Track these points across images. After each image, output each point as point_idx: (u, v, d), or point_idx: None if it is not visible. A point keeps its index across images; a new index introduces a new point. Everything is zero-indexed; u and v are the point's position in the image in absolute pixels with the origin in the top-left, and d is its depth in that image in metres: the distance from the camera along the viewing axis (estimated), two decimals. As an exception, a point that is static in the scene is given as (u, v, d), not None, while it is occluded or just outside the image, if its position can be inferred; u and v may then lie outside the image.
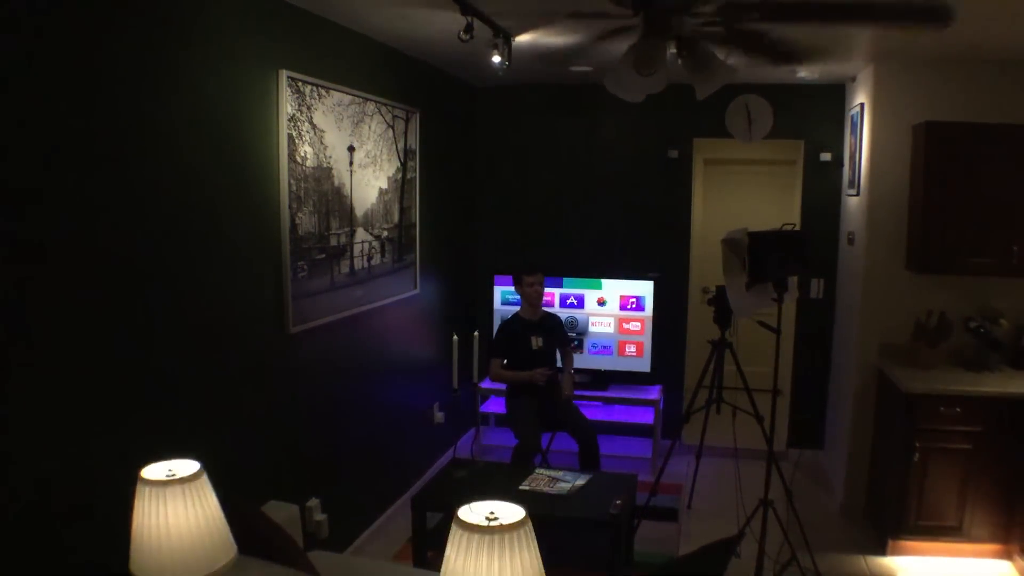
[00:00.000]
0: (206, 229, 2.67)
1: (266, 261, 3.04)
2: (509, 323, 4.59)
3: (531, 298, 4.52)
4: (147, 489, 1.86)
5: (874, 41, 3.68)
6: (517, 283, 4.59)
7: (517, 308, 4.68)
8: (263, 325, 3.03)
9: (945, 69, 3.97)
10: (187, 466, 1.93)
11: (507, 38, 3.43)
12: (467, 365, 3.87)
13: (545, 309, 4.71)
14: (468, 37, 3.01)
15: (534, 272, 4.52)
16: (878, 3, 2.94)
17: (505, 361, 4.54)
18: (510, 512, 1.70)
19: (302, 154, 3.20)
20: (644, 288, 5.14)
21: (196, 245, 2.62)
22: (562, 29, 3.43)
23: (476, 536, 1.65)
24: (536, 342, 4.50)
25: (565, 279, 5.18)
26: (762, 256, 3.40)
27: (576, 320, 5.17)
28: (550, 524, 3.17)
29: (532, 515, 1.74)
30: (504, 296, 5.34)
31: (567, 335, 4.83)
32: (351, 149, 3.62)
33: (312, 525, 3.33)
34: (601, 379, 5.11)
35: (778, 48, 3.02)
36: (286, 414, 3.21)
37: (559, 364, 4.71)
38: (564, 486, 3.45)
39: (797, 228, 4.15)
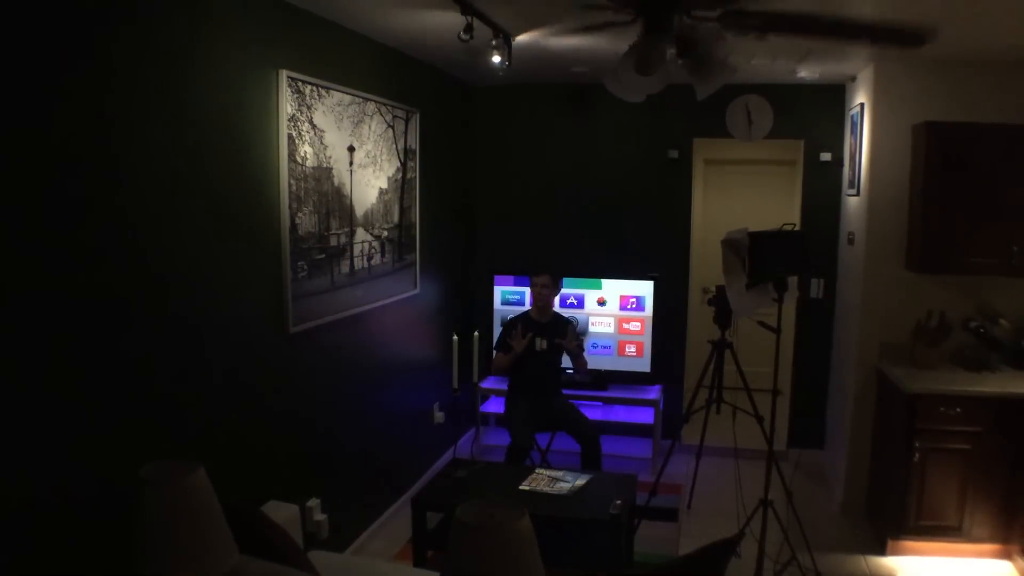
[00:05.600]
0: (206, 229, 2.67)
1: (266, 261, 3.04)
2: (515, 320, 4.57)
3: (536, 299, 4.51)
4: (147, 489, 1.86)
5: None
6: (530, 283, 4.59)
7: (519, 308, 4.68)
8: (263, 325, 3.03)
9: (945, 69, 3.97)
10: (187, 466, 1.93)
11: (507, 38, 3.43)
12: (467, 365, 3.87)
13: (557, 311, 4.70)
14: (468, 37, 3.01)
15: (540, 273, 4.50)
16: (863, 25, 2.99)
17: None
18: (510, 512, 1.70)
19: (302, 154, 3.20)
20: (644, 288, 5.14)
21: (196, 245, 2.62)
22: (562, 29, 3.44)
23: (476, 536, 1.65)
24: (540, 343, 4.48)
25: (565, 279, 5.18)
26: (762, 256, 3.40)
27: (576, 320, 5.16)
28: (550, 524, 3.17)
29: (532, 515, 1.74)
30: (504, 296, 5.34)
31: (577, 337, 4.78)
32: (351, 149, 3.62)
33: (312, 525, 3.33)
34: (601, 379, 5.11)
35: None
36: (286, 414, 3.21)
37: (567, 368, 4.68)
38: (564, 486, 3.45)
39: (797, 228, 4.15)
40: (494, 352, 4.60)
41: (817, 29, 3.06)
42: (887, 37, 3.22)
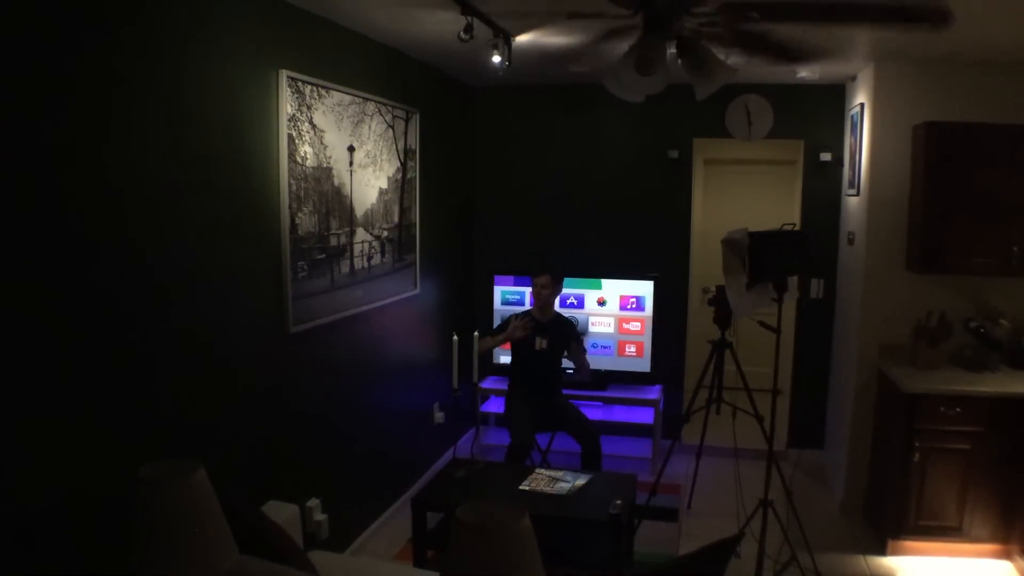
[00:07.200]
0: (205, 229, 2.67)
1: (266, 261, 3.04)
2: (517, 316, 4.54)
3: (537, 299, 4.52)
4: (147, 489, 1.86)
5: (874, 41, 3.68)
6: (531, 283, 4.58)
7: (518, 308, 4.67)
8: (263, 325, 3.03)
9: (945, 69, 3.97)
10: (187, 466, 1.94)
11: (507, 38, 3.43)
12: (467, 365, 3.87)
13: (559, 311, 4.70)
14: (468, 37, 3.01)
15: (540, 273, 4.50)
16: (875, 5, 2.95)
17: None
18: (510, 512, 1.70)
19: (302, 154, 3.20)
20: (644, 288, 5.14)
21: (195, 244, 2.62)
22: (562, 29, 3.43)
23: (476, 536, 1.65)
24: (540, 343, 4.48)
25: (565, 279, 5.18)
26: (762, 256, 3.40)
27: (576, 320, 5.16)
28: (550, 524, 3.17)
29: (532, 515, 1.74)
30: (504, 296, 5.34)
31: (579, 337, 4.76)
32: (351, 149, 3.62)
33: (312, 525, 3.33)
34: (601, 379, 5.11)
35: (781, 48, 3.03)
36: (286, 414, 3.21)
37: (568, 368, 4.66)
38: (564, 486, 3.45)
39: (797, 228, 4.15)
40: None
41: (823, 15, 3.00)
42: (902, 16, 3.14)
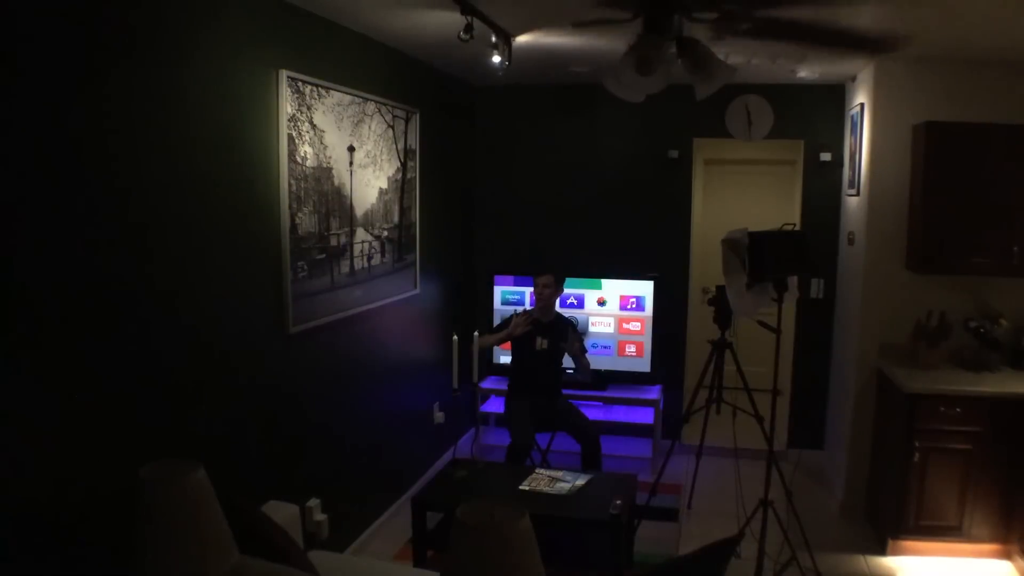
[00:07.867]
0: (205, 229, 2.67)
1: (266, 261, 3.04)
2: (517, 315, 4.54)
3: (538, 299, 4.52)
4: (147, 489, 1.86)
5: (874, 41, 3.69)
6: (533, 283, 4.58)
7: (518, 308, 4.67)
8: (263, 325, 3.03)
9: (945, 69, 3.97)
10: (187, 466, 1.94)
11: (507, 38, 3.43)
12: (467, 365, 3.87)
13: (560, 311, 4.70)
14: (468, 37, 3.01)
15: (542, 273, 4.50)
16: (860, 33, 3.00)
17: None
18: (510, 512, 1.70)
19: (302, 154, 3.20)
20: (644, 288, 5.14)
21: (195, 245, 2.62)
22: (562, 29, 3.44)
23: (476, 536, 1.65)
24: (541, 343, 4.48)
25: (566, 279, 5.17)
26: (762, 256, 3.40)
27: (576, 320, 5.16)
28: (550, 524, 3.17)
29: (532, 515, 1.74)
30: (504, 296, 5.34)
31: (579, 337, 4.75)
32: (351, 149, 3.62)
33: (312, 525, 3.33)
34: (601, 379, 5.10)
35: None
36: (286, 414, 3.21)
37: (568, 368, 4.66)
38: (564, 486, 3.45)
39: (797, 228, 4.15)
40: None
41: (806, 36, 3.07)
42: (866, 44, 3.22)
